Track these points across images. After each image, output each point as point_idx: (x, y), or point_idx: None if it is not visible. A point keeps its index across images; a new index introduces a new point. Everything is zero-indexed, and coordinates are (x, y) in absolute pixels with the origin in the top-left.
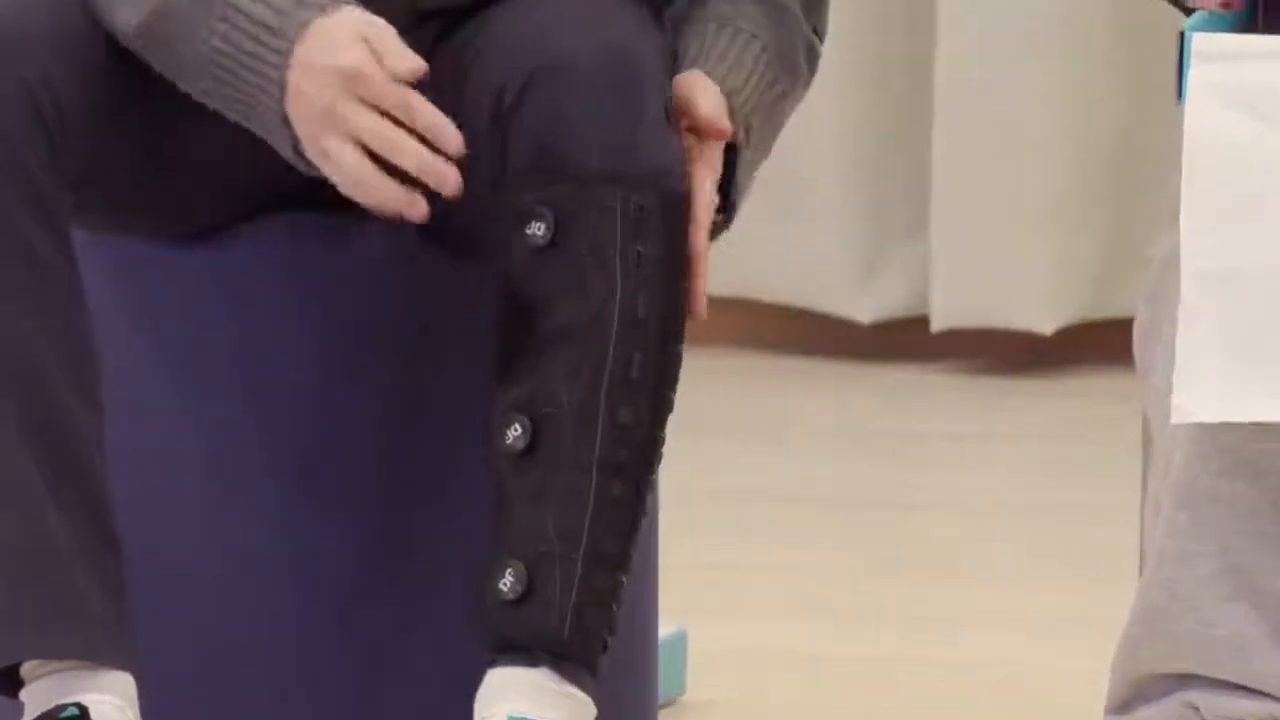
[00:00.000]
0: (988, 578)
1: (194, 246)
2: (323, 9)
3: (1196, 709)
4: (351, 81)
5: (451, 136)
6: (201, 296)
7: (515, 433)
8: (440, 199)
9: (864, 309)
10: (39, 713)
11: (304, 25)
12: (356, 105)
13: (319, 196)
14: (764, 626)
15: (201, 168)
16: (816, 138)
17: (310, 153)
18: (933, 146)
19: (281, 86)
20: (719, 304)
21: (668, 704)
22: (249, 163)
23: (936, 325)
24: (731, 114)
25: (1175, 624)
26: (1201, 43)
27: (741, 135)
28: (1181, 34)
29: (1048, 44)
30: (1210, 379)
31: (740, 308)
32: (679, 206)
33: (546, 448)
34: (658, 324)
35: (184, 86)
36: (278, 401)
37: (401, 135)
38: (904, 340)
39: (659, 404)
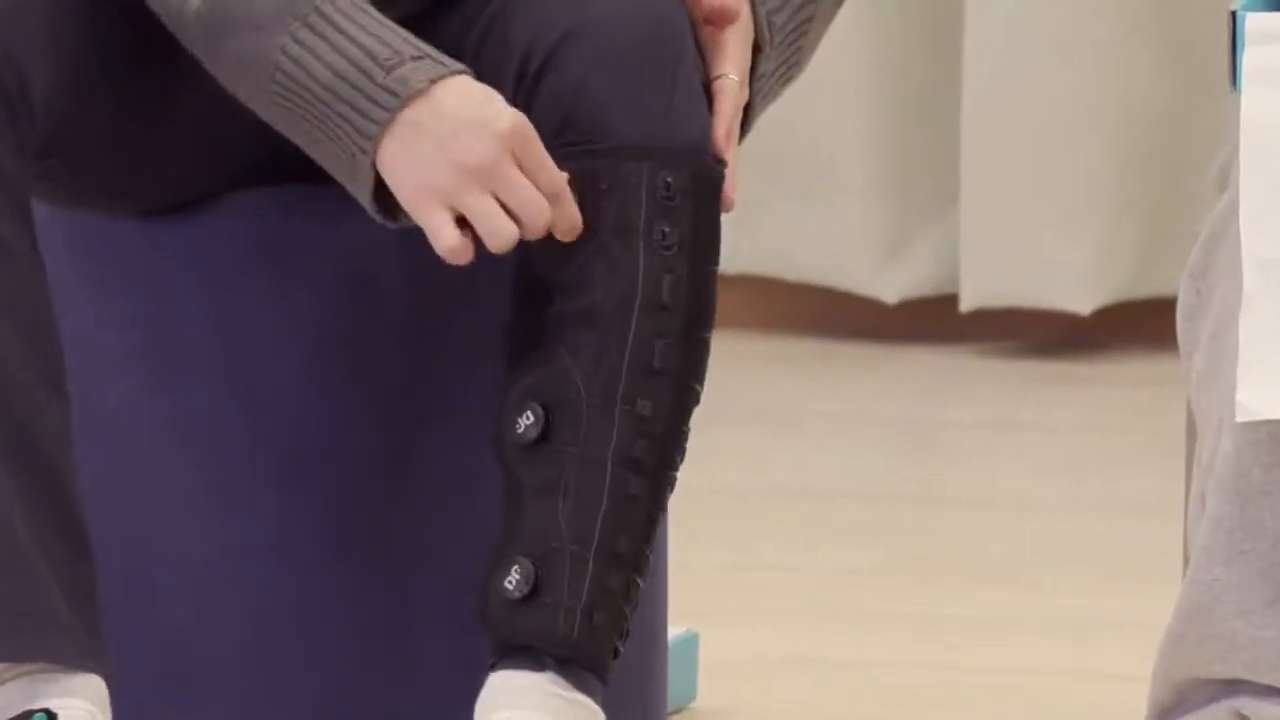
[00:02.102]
0: (1015, 578)
1: (167, 221)
2: (441, 61)
3: (1246, 718)
4: (518, 142)
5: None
6: (178, 276)
7: (527, 421)
8: None
9: (889, 288)
10: (7, 719)
11: (439, 79)
12: (515, 169)
13: (306, 170)
14: (779, 629)
15: (177, 140)
16: (841, 108)
17: (421, 206)
18: (961, 117)
19: (383, 127)
20: (735, 282)
21: (678, 710)
22: (226, 135)
23: (966, 305)
24: (753, 9)
25: (1221, 626)
26: (1255, 24)
27: (765, 33)
28: (1233, 14)
29: (1083, 14)
30: (1275, 373)
31: (759, 285)
32: (711, 185)
33: (560, 438)
34: (683, 310)
35: (233, 90)
36: (261, 389)
37: (549, 210)
38: (931, 321)
39: (683, 396)
